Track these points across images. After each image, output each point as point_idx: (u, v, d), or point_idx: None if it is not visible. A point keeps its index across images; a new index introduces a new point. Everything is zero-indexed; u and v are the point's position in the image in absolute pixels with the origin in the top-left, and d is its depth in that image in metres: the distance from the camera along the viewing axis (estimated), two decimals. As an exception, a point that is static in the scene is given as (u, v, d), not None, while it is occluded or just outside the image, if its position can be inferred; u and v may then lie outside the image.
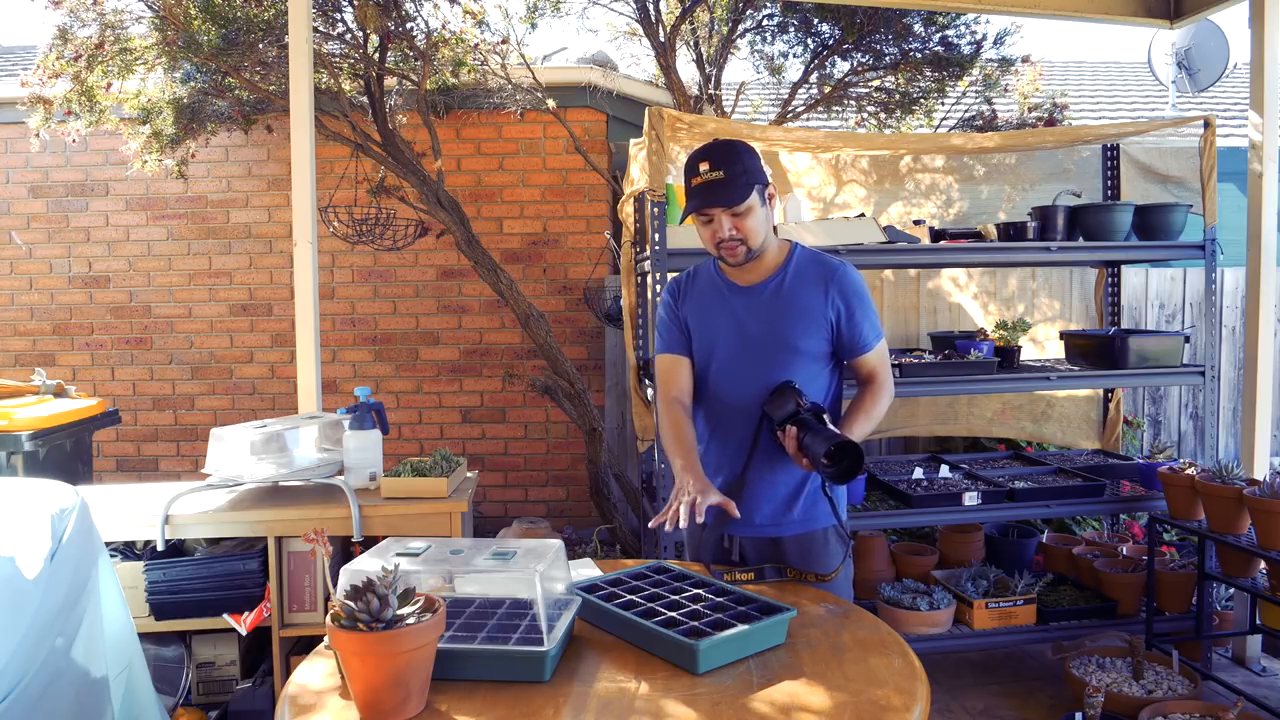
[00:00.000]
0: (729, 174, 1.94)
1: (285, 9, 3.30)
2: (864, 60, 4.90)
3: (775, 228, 2.11)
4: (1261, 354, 3.55)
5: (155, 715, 2.20)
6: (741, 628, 1.51)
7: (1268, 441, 3.61)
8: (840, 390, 2.14)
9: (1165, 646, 3.30)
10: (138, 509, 2.63)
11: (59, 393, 3.60)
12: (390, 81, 4.49)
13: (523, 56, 4.70)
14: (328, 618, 1.32)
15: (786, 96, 5.03)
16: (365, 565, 1.48)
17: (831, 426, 1.88)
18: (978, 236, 3.60)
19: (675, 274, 2.34)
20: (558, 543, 1.65)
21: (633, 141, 3.92)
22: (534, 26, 4.68)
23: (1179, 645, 3.37)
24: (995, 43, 4.78)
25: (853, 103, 5.11)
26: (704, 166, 1.96)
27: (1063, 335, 3.87)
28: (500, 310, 5.28)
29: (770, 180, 2.03)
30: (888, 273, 4.33)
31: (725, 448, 2.10)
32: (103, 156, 5.36)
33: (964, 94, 4.99)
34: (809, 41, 4.93)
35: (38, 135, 4.08)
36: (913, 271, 4.35)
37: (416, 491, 2.68)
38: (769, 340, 2.04)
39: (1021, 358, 3.78)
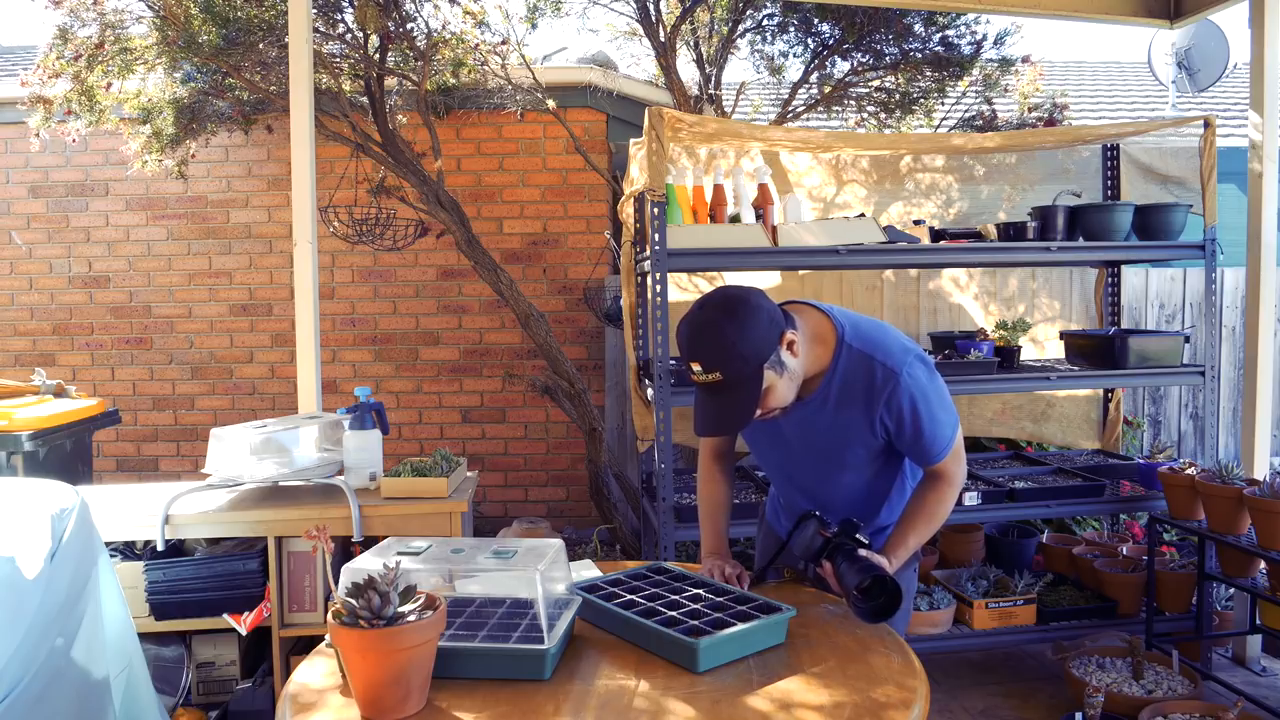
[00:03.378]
0: (728, 376, 1.62)
1: (285, 9, 3.30)
2: (864, 60, 4.91)
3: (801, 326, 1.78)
4: (1261, 354, 3.55)
5: (155, 715, 2.20)
6: (741, 627, 1.51)
7: (1268, 441, 3.61)
8: (905, 461, 1.93)
9: (1165, 646, 3.30)
10: (138, 509, 2.63)
11: (59, 393, 3.60)
12: (390, 82, 4.50)
13: (523, 57, 4.70)
14: (329, 614, 1.32)
15: (787, 96, 5.03)
16: (367, 563, 1.49)
17: (865, 552, 1.68)
18: (978, 236, 3.60)
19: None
20: (558, 542, 1.65)
21: (633, 141, 3.92)
22: (534, 27, 4.68)
23: (1179, 645, 3.37)
24: (995, 43, 4.78)
25: (853, 103, 5.11)
26: (696, 367, 1.63)
27: (1063, 335, 3.87)
28: (500, 310, 5.28)
29: (782, 330, 1.67)
30: (888, 273, 4.33)
31: (793, 510, 2.03)
32: (103, 156, 5.36)
33: (964, 94, 4.99)
34: (809, 41, 4.93)
35: (38, 135, 4.08)
36: (913, 271, 4.35)
37: (417, 491, 2.68)
38: (816, 455, 1.86)
39: (1021, 358, 3.78)
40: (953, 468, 1.82)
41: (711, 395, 1.66)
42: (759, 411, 1.68)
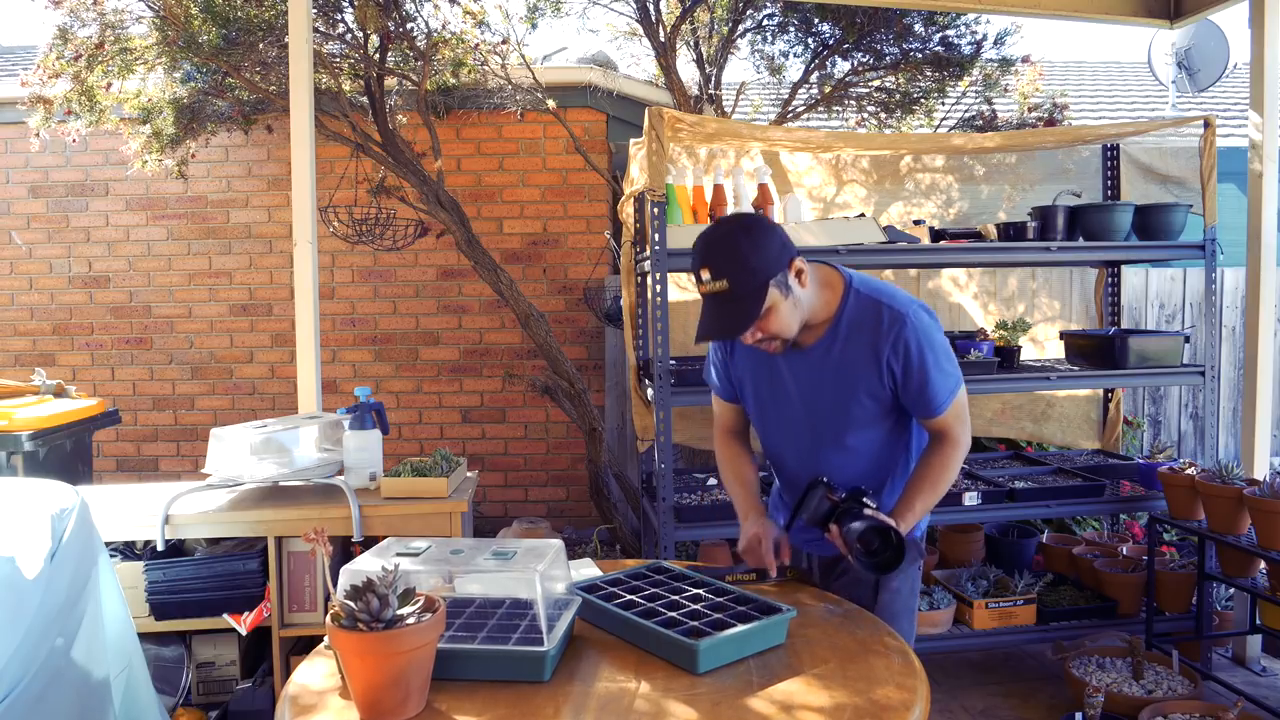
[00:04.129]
0: (734, 285, 1.64)
1: (285, 9, 3.30)
2: (864, 60, 4.90)
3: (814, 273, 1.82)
4: (1261, 354, 3.55)
5: (155, 715, 2.20)
6: (741, 628, 1.51)
7: (1268, 441, 3.61)
8: (911, 432, 1.92)
9: (1165, 646, 3.30)
10: (138, 509, 2.63)
11: (59, 393, 3.60)
12: (390, 81, 4.49)
13: (523, 57, 4.70)
14: (328, 617, 1.32)
15: (787, 96, 5.03)
16: (365, 565, 1.48)
17: (872, 511, 1.68)
18: (978, 236, 3.60)
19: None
20: (558, 543, 1.65)
21: (633, 141, 3.92)
22: (534, 26, 4.69)
23: (1179, 645, 3.37)
24: (995, 43, 4.78)
25: (853, 103, 5.11)
26: (705, 274, 1.66)
27: (1063, 335, 3.87)
28: (500, 310, 5.28)
29: (792, 255, 1.70)
30: (888, 273, 4.33)
31: (788, 500, 2.00)
32: (103, 156, 5.36)
33: (964, 94, 4.99)
34: (809, 41, 4.93)
35: (38, 135, 4.08)
36: (913, 271, 4.35)
37: (416, 491, 2.68)
38: (821, 408, 1.84)
39: (1021, 358, 3.78)
40: (956, 428, 1.83)
41: (716, 304, 1.68)
42: (758, 333, 1.71)
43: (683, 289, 4.19)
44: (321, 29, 4.17)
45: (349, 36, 4.28)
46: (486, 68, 4.63)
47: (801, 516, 1.79)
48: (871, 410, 1.82)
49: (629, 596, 1.68)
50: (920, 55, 4.75)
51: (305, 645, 2.83)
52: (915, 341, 1.75)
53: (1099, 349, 3.62)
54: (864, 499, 1.72)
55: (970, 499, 3.42)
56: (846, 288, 1.80)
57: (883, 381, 1.78)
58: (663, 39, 4.73)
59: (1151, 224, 3.55)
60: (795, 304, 1.72)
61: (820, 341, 1.81)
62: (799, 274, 1.71)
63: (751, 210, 3.44)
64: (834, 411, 1.84)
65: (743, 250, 1.65)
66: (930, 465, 1.83)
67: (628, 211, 3.90)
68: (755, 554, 1.88)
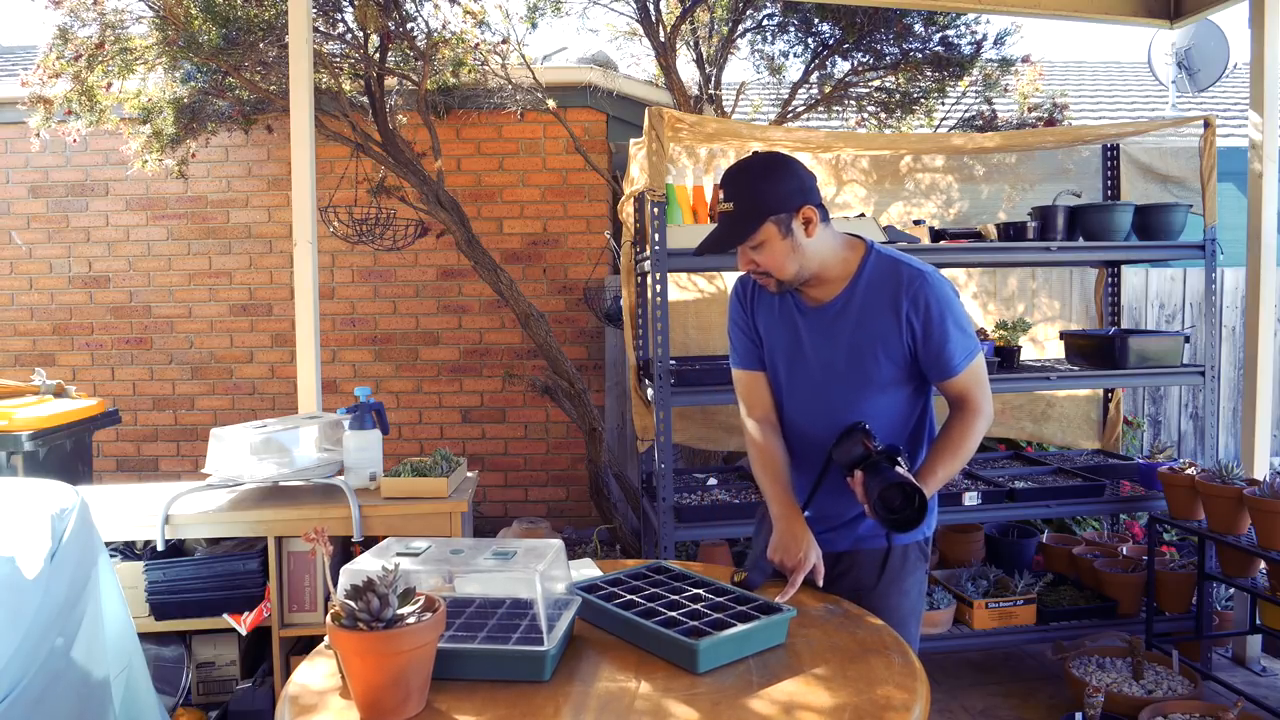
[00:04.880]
0: (738, 207, 1.74)
1: (285, 9, 3.30)
2: (864, 60, 4.91)
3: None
4: (1261, 354, 3.55)
5: (155, 715, 2.20)
6: (741, 627, 1.51)
7: (1268, 441, 3.61)
8: (929, 414, 1.92)
9: (1165, 646, 3.30)
10: (138, 509, 2.63)
11: (59, 393, 3.60)
12: (390, 81, 4.49)
13: (523, 56, 4.70)
14: (328, 617, 1.32)
15: (787, 96, 5.03)
16: (366, 565, 1.48)
17: (902, 470, 1.67)
18: (978, 236, 3.60)
19: (743, 276, 1.98)
20: (558, 542, 1.64)
21: (633, 141, 3.92)
22: (534, 26, 4.69)
23: (1179, 645, 3.37)
24: (995, 43, 4.78)
25: (853, 103, 5.11)
26: (721, 194, 1.78)
27: (1063, 335, 3.87)
28: (500, 310, 5.28)
29: (805, 203, 1.74)
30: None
31: (800, 475, 1.93)
32: (103, 156, 5.36)
33: (964, 94, 4.99)
34: (809, 41, 4.93)
35: (38, 135, 4.08)
36: (913, 271, 4.34)
37: (416, 491, 2.68)
38: (837, 369, 1.83)
39: (1021, 358, 3.78)
40: (977, 394, 1.84)
41: (720, 221, 1.78)
42: (751, 263, 1.78)
43: (683, 289, 4.19)
44: (321, 29, 4.17)
45: (349, 36, 4.28)
46: (486, 68, 4.63)
47: (832, 454, 1.76)
48: (888, 373, 1.81)
49: (629, 596, 1.68)
50: (920, 55, 4.75)
51: (305, 645, 2.83)
52: (935, 297, 1.77)
53: (1099, 349, 3.62)
54: (898, 458, 1.71)
55: (970, 499, 3.42)
56: (868, 250, 1.85)
57: (901, 338, 1.79)
58: (663, 39, 4.73)
59: (1151, 224, 3.55)
60: (795, 247, 1.76)
61: (839, 297, 1.83)
62: (807, 222, 1.75)
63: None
64: (851, 371, 1.82)
65: (754, 179, 1.75)
66: (951, 432, 1.83)
67: (628, 211, 3.90)
68: (790, 551, 1.80)
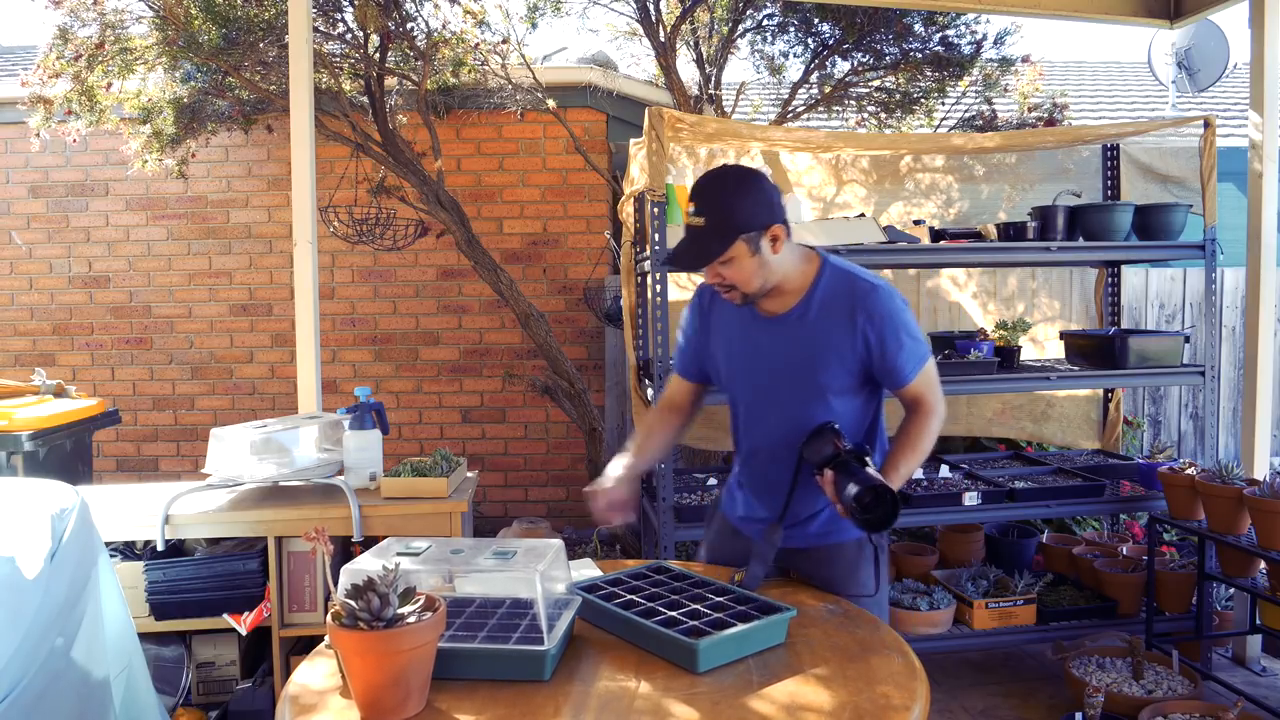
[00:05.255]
0: (709, 222, 1.76)
1: (285, 9, 3.30)
2: (864, 60, 4.90)
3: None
4: (1261, 354, 3.55)
5: (155, 715, 2.20)
6: (741, 627, 1.51)
7: (1268, 441, 3.61)
8: (880, 418, 1.98)
9: (1165, 646, 3.30)
10: (138, 509, 2.63)
11: (59, 393, 3.60)
12: (390, 81, 4.50)
13: (523, 56, 4.70)
14: (328, 617, 1.32)
15: (787, 96, 5.03)
16: (366, 564, 1.48)
17: (872, 470, 1.72)
18: (978, 236, 3.60)
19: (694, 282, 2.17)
20: (558, 542, 1.65)
21: (633, 141, 3.92)
22: (534, 26, 4.69)
23: (1179, 645, 3.37)
24: (995, 43, 4.78)
25: (853, 103, 5.11)
26: (691, 207, 1.78)
27: (1063, 335, 3.87)
28: (500, 310, 5.28)
29: (774, 221, 1.78)
30: (887, 272, 4.33)
31: (756, 482, 1.99)
32: (103, 156, 5.36)
33: (964, 94, 4.99)
34: (809, 41, 4.93)
35: (38, 135, 4.08)
36: (912, 271, 4.35)
37: (416, 491, 2.68)
38: (793, 377, 1.87)
39: (1021, 358, 3.78)
40: (930, 396, 1.91)
41: (690, 236, 1.80)
42: (718, 276, 1.81)
43: (683, 289, 4.19)
44: (321, 29, 4.17)
45: (349, 36, 4.29)
46: (486, 67, 4.63)
47: (803, 453, 1.81)
48: (842, 381, 1.86)
49: (629, 596, 1.68)
50: (920, 55, 4.75)
51: (305, 645, 2.83)
52: (888, 310, 1.83)
53: (1099, 349, 3.62)
54: (866, 458, 1.75)
55: (970, 499, 3.42)
56: (823, 263, 1.91)
57: (854, 347, 1.84)
58: (663, 39, 4.73)
59: (1151, 224, 3.55)
60: (762, 264, 1.80)
61: (795, 309, 1.88)
62: (774, 240, 1.80)
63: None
64: (806, 379, 1.87)
65: (727, 195, 1.77)
66: (910, 432, 1.89)
67: (628, 211, 3.90)
68: (596, 494, 1.90)
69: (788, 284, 1.87)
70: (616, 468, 1.94)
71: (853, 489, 1.67)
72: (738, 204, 1.76)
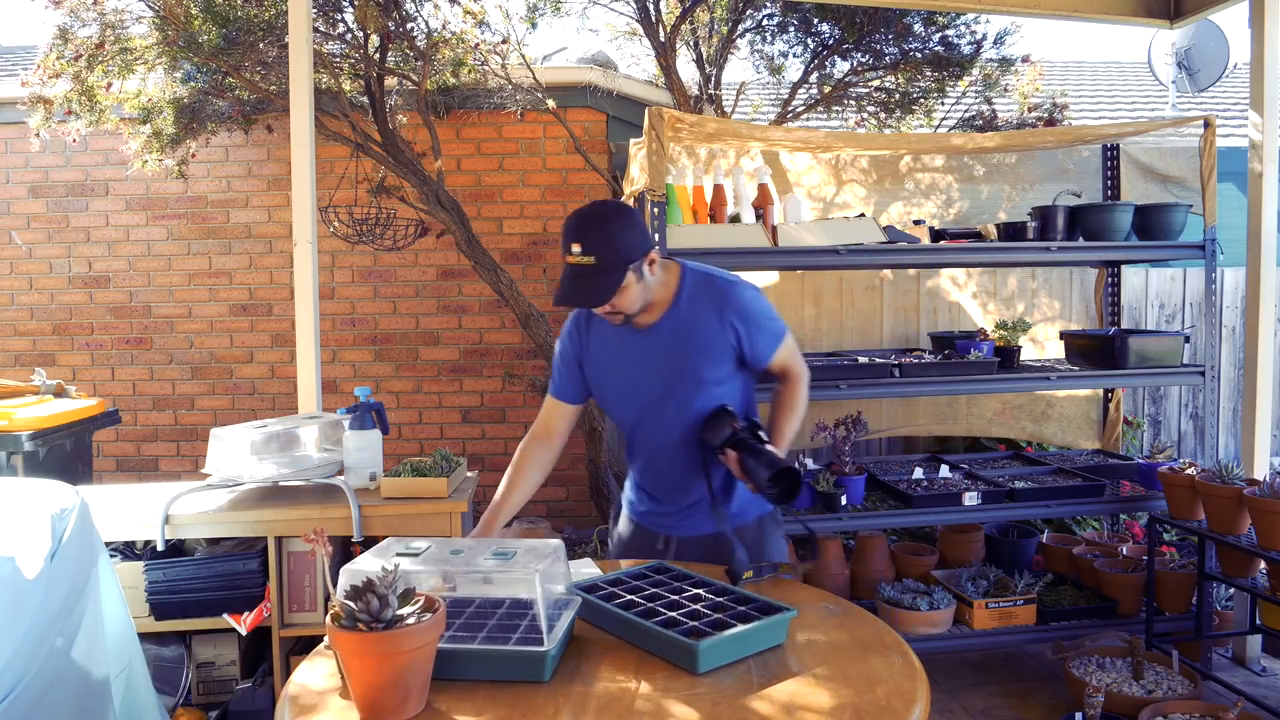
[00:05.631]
0: (600, 262, 1.84)
1: (285, 9, 3.30)
2: (864, 60, 4.90)
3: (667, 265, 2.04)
4: (1261, 354, 3.55)
5: (155, 715, 2.20)
6: (741, 628, 1.51)
7: (1268, 441, 3.61)
8: (752, 393, 2.16)
9: (1165, 646, 3.30)
10: (138, 509, 2.63)
11: (59, 393, 3.60)
12: (390, 81, 4.49)
13: (523, 56, 4.70)
14: (328, 618, 1.32)
15: (786, 96, 5.03)
16: (365, 565, 1.48)
17: (769, 446, 1.91)
18: (978, 236, 3.60)
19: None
20: (558, 542, 1.64)
21: (633, 141, 3.92)
22: (534, 26, 4.69)
23: (1179, 645, 3.37)
24: (995, 43, 4.78)
25: (853, 103, 5.11)
26: (576, 248, 1.85)
27: (1063, 335, 3.87)
28: (500, 310, 5.28)
29: (649, 246, 1.91)
30: (887, 272, 4.33)
31: (656, 480, 2.15)
32: (103, 156, 5.36)
33: (964, 94, 4.99)
34: (809, 41, 4.93)
35: (38, 135, 4.08)
36: (912, 271, 4.35)
37: (416, 491, 2.68)
38: (674, 377, 2.02)
39: (1021, 358, 3.78)
40: (795, 364, 2.13)
41: (579, 276, 1.88)
42: (609, 305, 1.92)
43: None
44: (321, 29, 4.17)
45: (349, 36, 4.28)
46: (486, 68, 4.63)
47: (703, 436, 1.98)
48: (719, 370, 2.02)
49: (629, 596, 1.68)
50: (920, 55, 4.75)
51: (305, 645, 2.83)
52: (748, 301, 2.02)
53: (1099, 349, 3.62)
54: (759, 432, 1.94)
55: (970, 499, 3.43)
56: (683, 270, 2.06)
57: (726, 339, 2.01)
58: (663, 39, 4.73)
59: (1151, 224, 3.55)
60: (645, 287, 1.95)
61: (665, 316, 2.02)
62: (651, 263, 1.93)
63: (753, 208, 3.44)
64: (687, 376, 2.02)
65: (613, 233, 1.86)
66: (786, 397, 2.12)
67: (628, 211, 3.90)
68: None
69: (656, 295, 2.01)
70: (487, 518, 2.05)
71: (763, 473, 1.83)
72: (623, 239, 1.86)
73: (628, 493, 2.28)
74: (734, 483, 2.06)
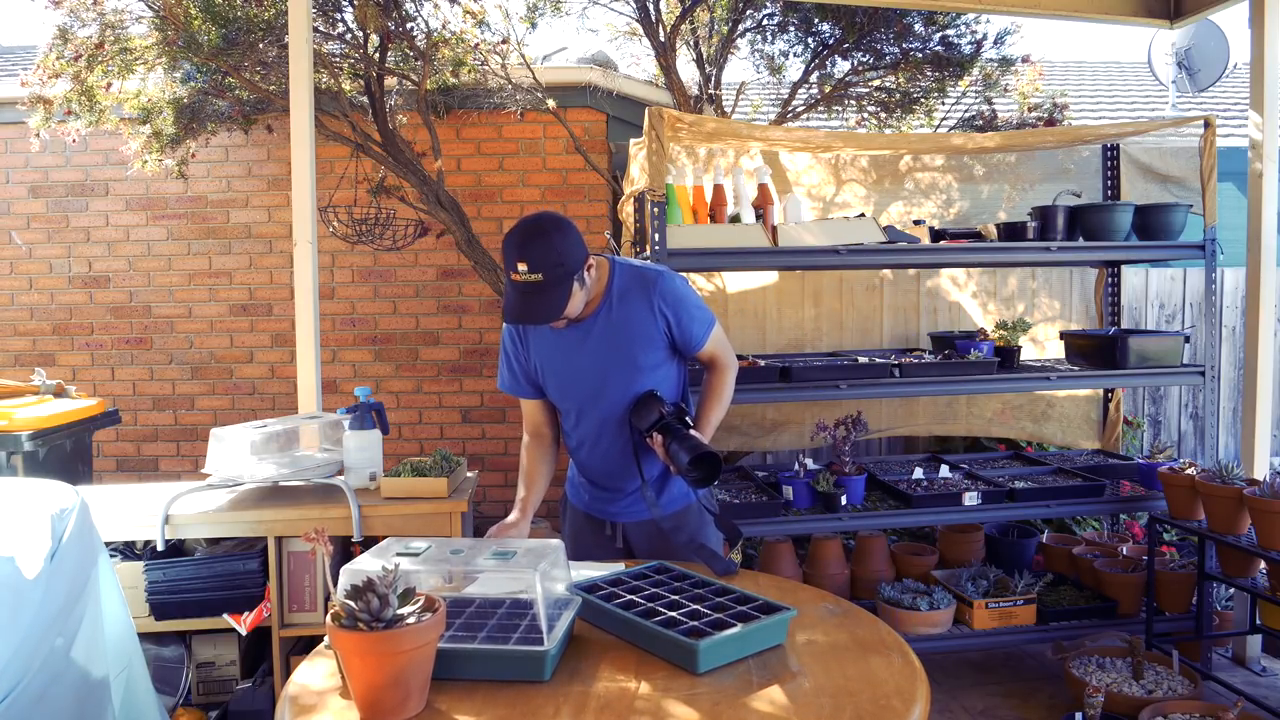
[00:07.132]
0: (547, 278, 1.90)
1: (285, 9, 3.30)
2: (864, 60, 4.90)
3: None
4: (1261, 354, 3.55)
5: (155, 715, 2.20)
6: (741, 628, 1.51)
7: (1268, 441, 3.61)
8: (684, 377, 2.26)
9: (1165, 646, 3.30)
10: (138, 509, 2.63)
11: (59, 393, 3.60)
12: (390, 81, 4.49)
13: (523, 56, 4.70)
14: (328, 617, 1.32)
15: (786, 96, 5.03)
16: (366, 565, 1.48)
17: (694, 431, 2.00)
18: (978, 236, 3.60)
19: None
20: (558, 542, 1.65)
21: (633, 141, 3.92)
22: (534, 26, 4.69)
23: (1179, 645, 3.37)
24: (995, 42, 4.78)
25: (853, 102, 5.11)
26: (522, 266, 1.90)
27: (1063, 335, 3.87)
28: (500, 310, 5.28)
29: (587, 254, 1.99)
30: (887, 272, 4.33)
31: (599, 468, 2.24)
32: (103, 156, 5.36)
33: (964, 94, 4.99)
34: (809, 41, 4.93)
35: (38, 135, 4.08)
36: (912, 271, 4.35)
37: (416, 491, 2.68)
38: (611, 367, 2.10)
39: (1021, 358, 3.78)
40: (723, 354, 2.23)
41: (527, 293, 1.93)
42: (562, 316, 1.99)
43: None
44: (321, 29, 4.17)
45: (349, 36, 4.29)
46: (486, 67, 4.63)
47: (631, 420, 2.08)
48: (653, 358, 2.12)
49: (629, 596, 1.68)
50: (920, 55, 4.75)
51: (305, 645, 2.83)
52: (676, 290, 2.11)
53: (1099, 349, 3.62)
54: (685, 417, 2.05)
55: (970, 499, 3.42)
56: (613, 265, 2.14)
57: (658, 326, 2.10)
58: (663, 39, 4.73)
59: (1151, 224, 3.55)
60: (586, 293, 2.04)
61: (598, 311, 2.10)
62: (589, 268, 2.02)
63: (753, 208, 3.44)
64: (624, 365, 2.11)
65: (558, 249, 1.91)
66: (714, 385, 2.24)
67: (627, 211, 3.90)
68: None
69: (592, 295, 2.09)
70: (515, 509, 2.16)
71: (684, 457, 1.91)
72: (565, 252, 1.92)
73: (571, 485, 2.38)
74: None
